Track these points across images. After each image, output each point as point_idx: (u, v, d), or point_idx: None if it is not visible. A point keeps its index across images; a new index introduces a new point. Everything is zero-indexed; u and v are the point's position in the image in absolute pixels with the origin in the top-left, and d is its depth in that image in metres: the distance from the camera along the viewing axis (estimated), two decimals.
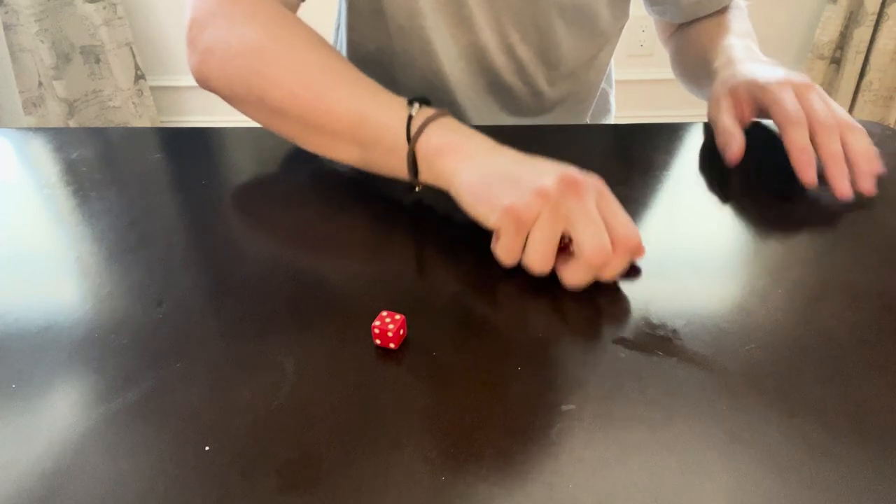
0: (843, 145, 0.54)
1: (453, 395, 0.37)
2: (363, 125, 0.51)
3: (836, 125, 0.55)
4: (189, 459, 0.34)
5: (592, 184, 0.44)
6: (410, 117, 0.50)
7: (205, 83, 0.57)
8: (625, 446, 0.34)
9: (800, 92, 0.57)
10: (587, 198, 0.43)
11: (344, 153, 0.54)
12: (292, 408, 0.37)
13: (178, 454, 0.34)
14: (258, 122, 0.57)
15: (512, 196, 0.43)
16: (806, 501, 0.31)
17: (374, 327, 0.40)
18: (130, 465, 0.34)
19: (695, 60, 0.74)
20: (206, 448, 0.35)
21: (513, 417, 0.36)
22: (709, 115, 0.64)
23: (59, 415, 0.37)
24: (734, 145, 0.58)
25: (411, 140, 0.49)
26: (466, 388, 0.38)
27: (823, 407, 0.36)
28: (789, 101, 0.56)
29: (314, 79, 0.53)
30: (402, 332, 0.41)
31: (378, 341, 0.40)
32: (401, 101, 0.52)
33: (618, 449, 0.34)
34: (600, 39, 0.77)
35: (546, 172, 0.44)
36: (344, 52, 0.80)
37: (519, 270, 0.46)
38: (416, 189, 0.53)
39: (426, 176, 0.50)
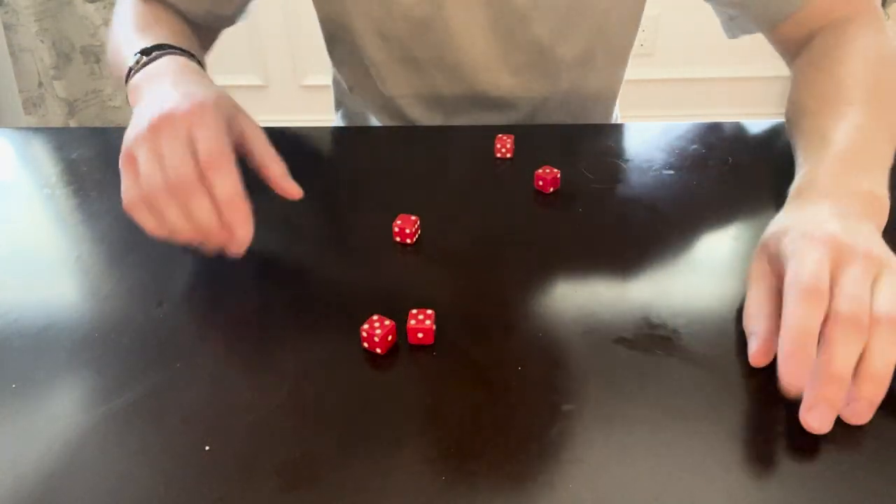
0: (864, 353, 0.35)
1: (453, 395, 0.37)
2: (121, 67, 0.56)
3: (866, 322, 0.35)
4: (189, 459, 0.34)
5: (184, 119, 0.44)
6: (137, 55, 0.53)
7: None
8: (625, 446, 0.34)
9: (838, 258, 0.37)
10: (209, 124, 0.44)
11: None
12: (292, 408, 0.37)
13: (178, 454, 0.34)
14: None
15: (135, 128, 0.45)
16: (806, 501, 0.31)
17: (363, 331, 0.40)
18: (130, 464, 0.34)
19: (791, 129, 0.57)
20: (206, 448, 0.35)
21: (513, 417, 0.36)
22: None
23: (60, 414, 0.37)
24: (754, 346, 0.39)
25: (128, 77, 0.54)
26: (466, 388, 0.38)
27: None
28: (808, 264, 0.37)
29: (114, 43, 0.62)
30: (390, 338, 0.40)
31: (365, 345, 0.40)
32: (145, 48, 0.55)
33: (618, 449, 0.34)
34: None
35: (169, 101, 0.45)
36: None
37: (519, 268, 0.46)
38: None
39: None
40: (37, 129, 0.70)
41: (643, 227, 0.51)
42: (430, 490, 0.32)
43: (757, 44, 0.70)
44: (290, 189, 0.48)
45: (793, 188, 0.48)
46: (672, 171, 0.58)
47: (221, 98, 0.48)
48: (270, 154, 0.48)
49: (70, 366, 0.40)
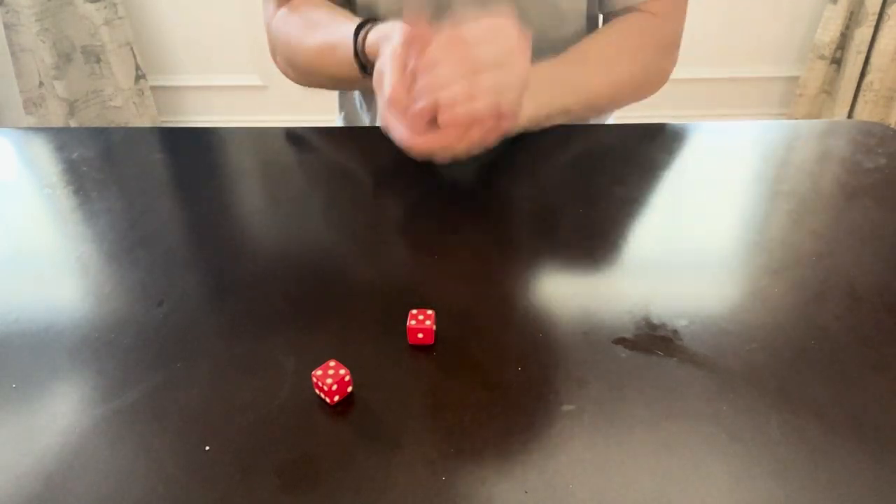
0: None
1: (453, 395, 0.37)
2: (337, 50, 0.64)
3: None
4: (189, 459, 0.34)
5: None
6: (357, 30, 0.61)
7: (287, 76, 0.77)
8: (625, 446, 0.34)
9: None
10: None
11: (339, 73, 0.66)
12: (292, 408, 0.37)
13: (178, 454, 0.34)
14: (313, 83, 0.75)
15: None
16: (806, 501, 0.31)
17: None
18: (131, 464, 0.34)
19: None
20: (206, 448, 0.35)
21: (513, 417, 0.36)
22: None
23: (60, 414, 0.37)
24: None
25: (357, 41, 0.61)
26: (466, 388, 0.38)
27: (823, 407, 0.36)
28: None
29: (312, 48, 0.69)
30: (344, 386, 0.37)
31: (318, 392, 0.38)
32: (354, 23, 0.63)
33: (618, 449, 0.34)
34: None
35: None
36: None
37: (519, 268, 0.46)
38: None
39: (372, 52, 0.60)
40: (37, 129, 0.70)
41: (643, 227, 0.51)
42: (430, 490, 0.32)
43: (757, 44, 0.70)
44: None
45: None
46: (672, 172, 0.58)
47: None
48: None
49: (70, 366, 0.40)
